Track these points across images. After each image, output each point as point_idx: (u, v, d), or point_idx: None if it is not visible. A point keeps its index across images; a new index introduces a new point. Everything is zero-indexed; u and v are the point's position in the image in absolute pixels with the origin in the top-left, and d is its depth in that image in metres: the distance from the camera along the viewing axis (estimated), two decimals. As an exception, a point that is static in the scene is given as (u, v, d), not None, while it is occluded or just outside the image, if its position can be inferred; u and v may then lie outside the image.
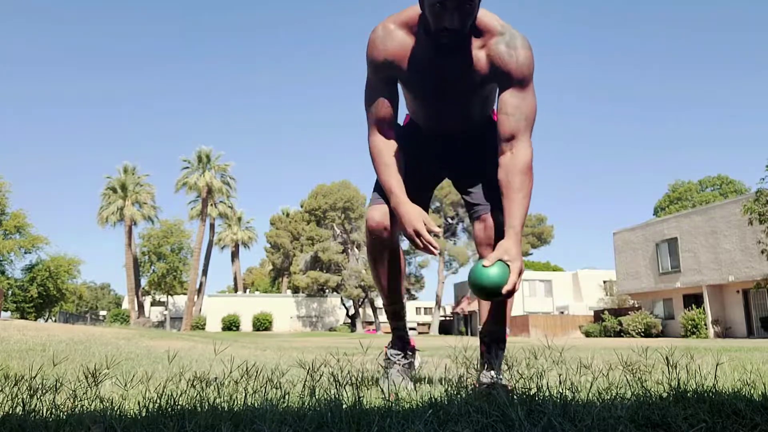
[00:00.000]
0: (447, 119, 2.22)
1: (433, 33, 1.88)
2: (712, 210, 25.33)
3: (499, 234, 2.04)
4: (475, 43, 1.97)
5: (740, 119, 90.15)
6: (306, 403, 1.51)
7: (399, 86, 2.15)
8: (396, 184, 2.02)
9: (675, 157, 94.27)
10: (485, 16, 1.98)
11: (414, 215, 1.95)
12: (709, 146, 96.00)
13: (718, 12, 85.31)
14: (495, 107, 2.27)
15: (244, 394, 1.55)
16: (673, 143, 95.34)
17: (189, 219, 47.61)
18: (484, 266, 1.78)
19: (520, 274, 1.79)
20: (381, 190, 2.14)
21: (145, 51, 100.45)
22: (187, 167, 45.72)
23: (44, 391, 1.55)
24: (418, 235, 1.92)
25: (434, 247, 1.91)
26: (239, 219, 54.41)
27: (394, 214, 2.06)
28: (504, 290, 1.77)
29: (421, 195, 2.25)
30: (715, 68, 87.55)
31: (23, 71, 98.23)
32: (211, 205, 46.27)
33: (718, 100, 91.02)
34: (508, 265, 1.79)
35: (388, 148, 2.08)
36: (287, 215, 52.23)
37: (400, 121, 2.28)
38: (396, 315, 2.37)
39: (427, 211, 2.42)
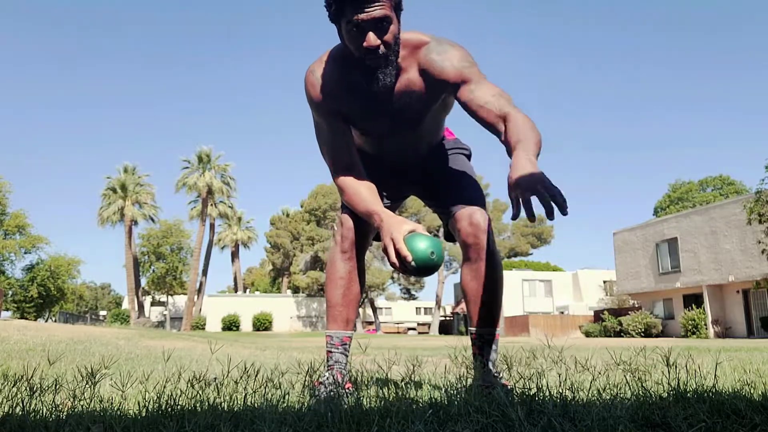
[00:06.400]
0: (398, 153, 2.14)
1: (358, 58, 1.82)
2: (712, 210, 25.34)
3: (475, 229, 1.98)
4: (406, 61, 1.91)
5: (740, 119, 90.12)
6: (306, 403, 1.51)
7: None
8: (377, 206, 1.86)
9: (675, 157, 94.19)
10: (407, 33, 1.91)
11: (394, 223, 1.74)
12: (709, 146, 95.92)
13: (718, 11, 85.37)
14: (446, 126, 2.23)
15: (243, 394, 1.54)
16: (674, 143, 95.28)
17: (189, 219, 47.60)
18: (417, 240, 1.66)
19: (547, 187, 1.56)
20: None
21: (145, 51, 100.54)
22: (187, 167, 45.73)
23: (43, 391, 1.55)
24: (392, 242, 1.68)
25: (397, 267, 1.68)
26: (239, 219, 54.36)
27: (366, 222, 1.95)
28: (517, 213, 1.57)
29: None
30: (716, 68, 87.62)
31: (23, 71, 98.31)
32: (211, 205, 46.24)
33: (718, 99, 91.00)
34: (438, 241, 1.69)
35: (359, 180, 1.95)
36: (287, 215, 52.21)
37: None
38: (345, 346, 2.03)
39: None
